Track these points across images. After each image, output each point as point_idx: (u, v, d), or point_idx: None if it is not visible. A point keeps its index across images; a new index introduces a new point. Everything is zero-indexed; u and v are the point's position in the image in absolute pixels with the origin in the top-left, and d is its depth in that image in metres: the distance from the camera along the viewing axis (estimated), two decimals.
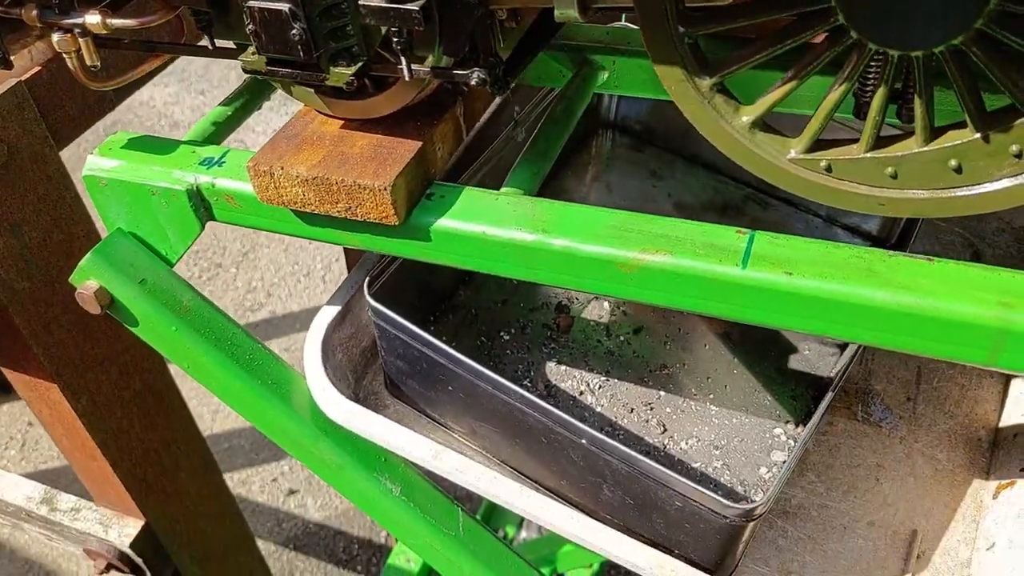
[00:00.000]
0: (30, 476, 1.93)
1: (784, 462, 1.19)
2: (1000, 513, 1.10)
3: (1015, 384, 1.30)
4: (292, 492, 3.54)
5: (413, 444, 1.13)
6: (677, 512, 1.00)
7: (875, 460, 1.20)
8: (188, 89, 5.53)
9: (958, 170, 0.78)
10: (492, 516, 2.80)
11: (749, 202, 1.51)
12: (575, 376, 1.33)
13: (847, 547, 1.13)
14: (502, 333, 1.38)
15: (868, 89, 0.80)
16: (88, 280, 1.13)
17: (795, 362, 1.33)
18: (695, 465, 1.22)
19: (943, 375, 1.30)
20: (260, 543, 3.36)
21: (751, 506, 0.95)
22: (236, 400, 1.22)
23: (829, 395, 1.07)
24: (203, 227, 1.13)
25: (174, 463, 1.79)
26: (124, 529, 1.72)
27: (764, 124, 0.85)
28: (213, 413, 3.83)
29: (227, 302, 4.34)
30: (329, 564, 3.31)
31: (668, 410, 1.28)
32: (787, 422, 1.26)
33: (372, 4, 0.83)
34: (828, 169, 0.83)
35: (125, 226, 1.16)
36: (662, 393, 1.31)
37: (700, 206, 1.52)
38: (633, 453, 0.99)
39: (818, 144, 0.84)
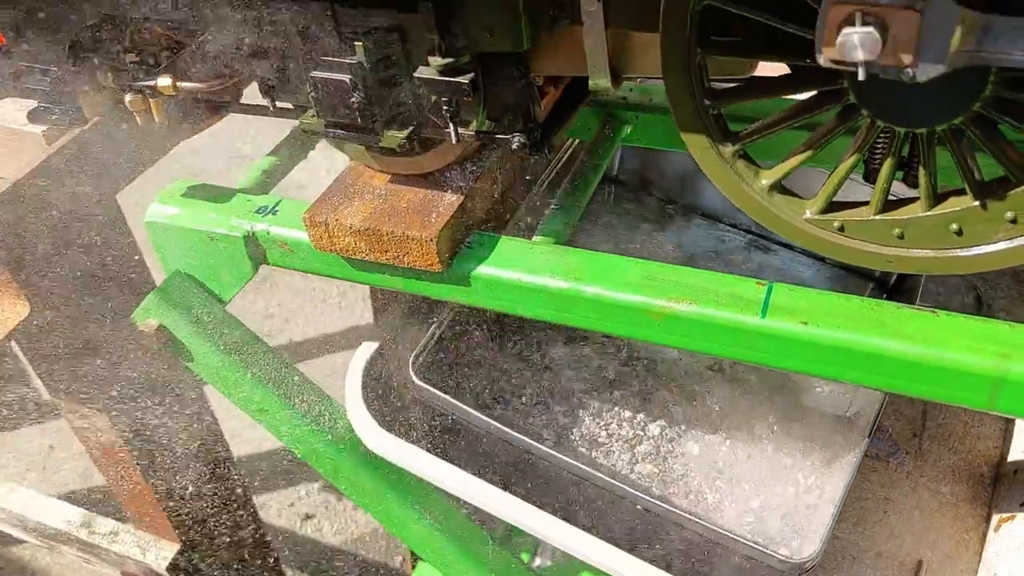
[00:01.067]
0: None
1: (816, 505, 1.25)
2: (1002, 545, 1.17)
3: (1019, 422, 1.37)
4: (308, 517, 3.60)
5: (445, 473, 1.20)
6: (732, 570, 1.07)
7: (883, 493, 1.27)
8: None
9: (959, 233, 0.86)
10: (508, 542, 2.85)
11: (752, 248, 1.59)
12: (567, 408, 1.41)
13: None
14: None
15: (877, 158, 0.88)
16: (149, 318, 1.21)
17: (810, 401, 1.40)
18: (730, 513, 1.28)
19: (947, 412, 1.38)
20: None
21: (806, 559, 1.01)
22: (280, 429, 1.29)
23: (866, 440, 1.13)
24: (256, 270, 1.21)
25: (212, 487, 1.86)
26: (161, 552, 1.79)
27: (781, 187, 0.93)
28: (231, 438, 3.89)
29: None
30: None
31: (696, 452, 1.36)
32: (810, 464, 1.32)
33: (425, 76, 0.92)
34: (841, 229, 0.91)
35: (183, 268, 1.24)
36: (688, 431, 1.38)
37: (705, 253, 1.60)
38: (699, 520, 1.06)
39: (832, 206, 0.92)
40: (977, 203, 0.83)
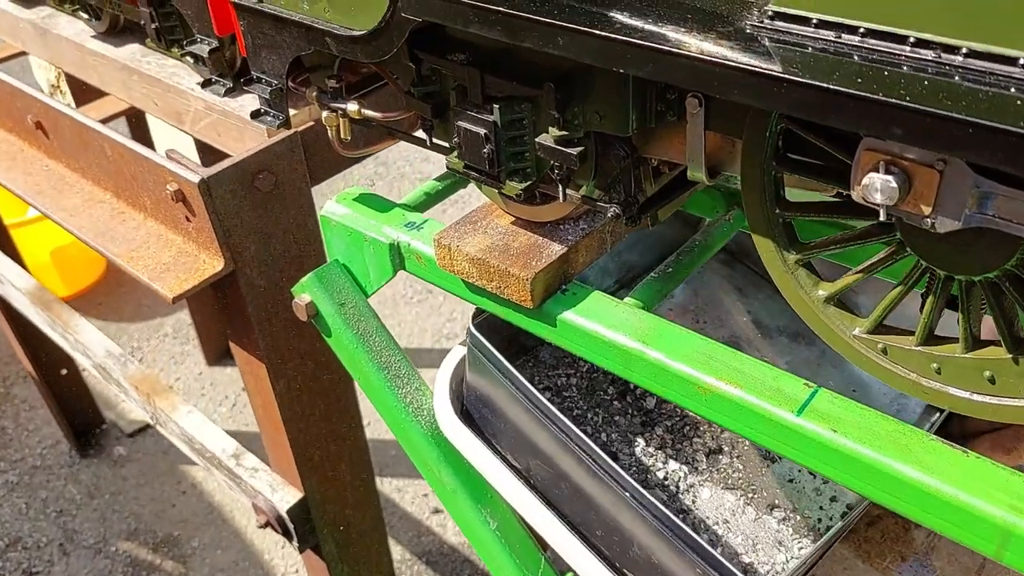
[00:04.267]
0: (231, 434, 2.34)
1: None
2: None
3: None
4: (437, 511, 3.84)
5: (500, 475, 1.33)
6: None
7: None
8: None
9: (991, 380, 0.89)
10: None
11: None
12: (627, 444, 1.50)
13: None
14: (572, 388, 1.56)
15: (924, 293, 0.93)
16: (304, 293, 1.46)
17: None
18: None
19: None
20: (397, 547, 3.69)
21: None
22: (386, 413, 1.50)
23: (840, 523, 1.17)
24: (395, 273, 1.42)
25: (338, 453, 2.11)
26: (286, 496, 2.06)
27: (837, 300, 1.00)
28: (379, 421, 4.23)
29: (428, 324, 4.78)
30: None
31: (706, 497, 1.43)
32: (815, 540, 1.37)
33: (543, 143, 1.08)
34: (884, 351, 0.97)
35: (341, 258, 1.48)
36: (705, 479, 1.45)
37: (776, 328, 1.63)
38: (689, 531, 1.15)
39: (880, 328, 0.97)
40: (1010, 356, 0.86)
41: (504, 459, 1.37)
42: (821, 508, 1.45)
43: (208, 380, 4.51)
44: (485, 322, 1.38)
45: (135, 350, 4.74)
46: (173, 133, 2.10)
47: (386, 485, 3.92)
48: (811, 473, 1.50)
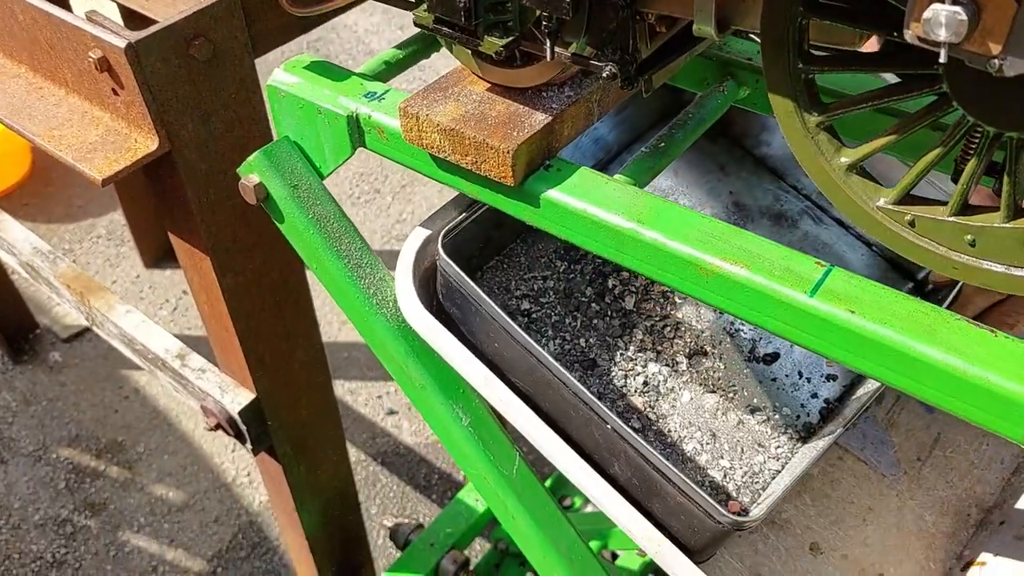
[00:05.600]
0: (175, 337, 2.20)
1: (779, 472, 1.26)
2: None
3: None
4: (392, 412, 3.79)
5: (469, 365, 1.24)
6: (676, 504, 1.09)
7: (868, 503, 1.28)
8: (389, 23, 5.82)
9: None
10: (561, 486, 2.91)
11: (805, 216, 1.55)
12: (606, 348, 1.42)
13: (816, 569, 1.22)
14: (549, 292, 1.47)
15: (967, 157, 0.83)
16: (252, 174, 1.31)
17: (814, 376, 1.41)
18: (699, 460, 1.30)
19: (958, 448, 1.35)
20: (353, 449, 3.63)
21: (745, 519, 1.03)
22: (347, 306, 1.37)
23: (840, 430, 1.13)
24: (354, 151, 1.28)
25: (291, 352, 2.00)
26: (237, 397, 1.95)
27: (860, 168, 0.89)
28: (341, 323, 4.12)
29: (376, 226, 4.62)
30: (408, 486, 3.53)
31: (686, 400, 1.37)
32: (792, 438, 1.32)
33: None
34: (911, 224, 0.88)
35: (292, 135, 1.33)
36: (685, 381, 1.39)
37: (758, 210, 1.56)
38: (652, 451, 1.10)
39: (907, 198, 0.88)
40: None
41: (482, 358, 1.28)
42: (802, 406, 1.40)
43: (147, 283, 4.31)
44: (453, 241, 1.27)
45: (67, 252, 4.49)
46: (93, 0, 1.88)
47: (338, 388, 3.83)
48: (796, 372, 1.44)
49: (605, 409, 1.14)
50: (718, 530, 1.10)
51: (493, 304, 1.21)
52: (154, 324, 2.11)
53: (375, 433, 3.72)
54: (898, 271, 1.54)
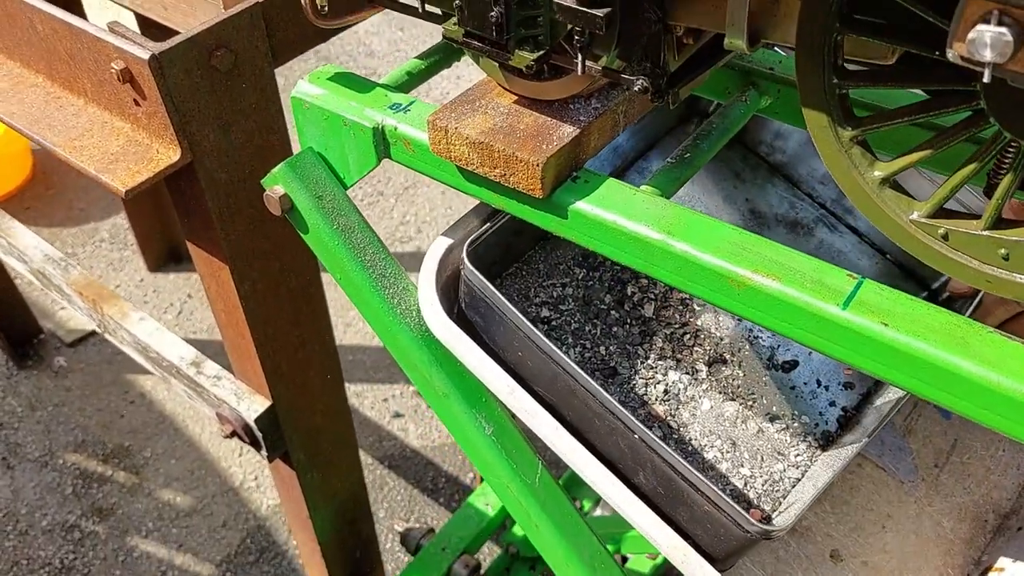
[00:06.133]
0: None
1: (799, 480, 1.28)
2: None
3: None
4: (398, 415, 3.79)
5: (494, 374, 1.25)
6: (703, 514, 1.10)
7: (887, 510, 1.29)
8: (389, 23, 5.82)
9: None
10: (571, 487, 2.92)
11: (820, 223, 1.56)
12: (626, 356, 1.43)
13: None
14: (568, 299, 1.48)
15: (1000, 172, 0.84)
16: (276, 185, 1.31)
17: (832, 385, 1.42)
18: (720, 468, 1.31)
19: (975, 454, 1.36)
20: (359, 452, 3.63)
21: (773, 529, 1.04)
22: (371, 316, 1.38)
23: (865, 440, 1.14)
24: (379, 162, 1.28)
25: (307, 360, 2.00)
26: (253, 404, 1.95)
27: (894, 183, 0.90)
28: (346, 326, 4.12)
29: (380, 229, 4.62)
30: (415, 489, 3.54)
31: (706, 408, 1.38)
32: (811, 446, 1.33)
33: (563, 3, 0.94)
34: (945, 237, 0.88)
35: (316, 146, 1.33)
36: (705, 389, 1.40)
37: (774, 217, 1.57)
38: (681, 460, 1.10)
39: (941, 211, 0.89)
40: None
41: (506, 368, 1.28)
42: (820, 414, 1.41)
43: (151, 287, 4.30)
44: (477, 250, 1.27)
45: (70, 256, 4.49)
46: (109, 10, 1.88)
47: (345, 390, 3.83)
48: (814, 380, 1.45)
49: (633, 419, 1.14)
50: (745, 539, 1.11)
51: (519, 313, 1.21)
52: (168, 331, 2.11)
53: (381, 436, 3.72)
54: (912, 280, 1.55)
